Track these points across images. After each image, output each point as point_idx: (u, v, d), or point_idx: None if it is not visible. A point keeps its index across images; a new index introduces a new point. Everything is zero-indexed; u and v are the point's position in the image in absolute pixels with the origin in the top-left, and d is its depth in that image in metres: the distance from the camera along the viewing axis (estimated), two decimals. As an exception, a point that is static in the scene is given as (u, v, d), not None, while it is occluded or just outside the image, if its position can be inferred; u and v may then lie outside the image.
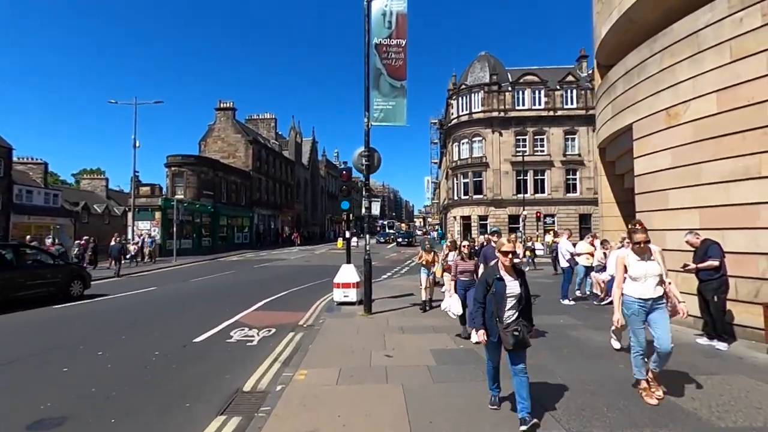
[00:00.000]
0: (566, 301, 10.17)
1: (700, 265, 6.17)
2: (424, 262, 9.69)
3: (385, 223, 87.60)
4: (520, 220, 38.83)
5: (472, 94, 41.64)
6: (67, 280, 11.80)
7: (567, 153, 40.11)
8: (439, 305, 8.06)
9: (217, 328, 8.19)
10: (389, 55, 9.21)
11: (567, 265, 10.29)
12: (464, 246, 7.46)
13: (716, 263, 6.04)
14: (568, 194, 40.10)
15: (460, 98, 42.68)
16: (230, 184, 40.46)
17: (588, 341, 6.75)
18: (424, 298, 9.65)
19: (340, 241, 41.92)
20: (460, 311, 6.69)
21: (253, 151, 44.77)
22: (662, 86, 7.91)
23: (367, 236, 9.15)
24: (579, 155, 40.00)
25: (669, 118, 7.76)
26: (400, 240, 47.48)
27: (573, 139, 40.31)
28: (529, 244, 26.54)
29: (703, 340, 6.37)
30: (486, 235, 14.97)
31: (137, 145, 26.34)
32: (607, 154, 11.39)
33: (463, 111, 42.33)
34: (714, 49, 6.92)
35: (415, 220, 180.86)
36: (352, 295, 10.17)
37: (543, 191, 40.26)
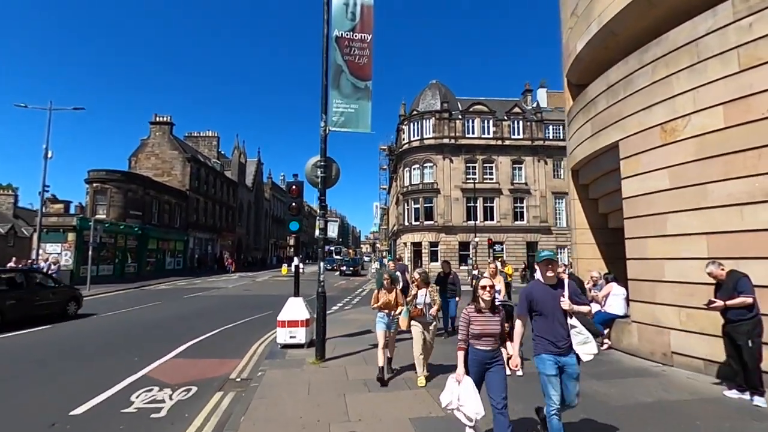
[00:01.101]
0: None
1: (730, 303, 5.15)
2: (382, 306, 6.35)
3: (332, 249, 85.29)
4: (471, 247, 38.60)
5: (424, 120, 41.63)
6: (65, 301, 13.06)
7: (514, 182, 40.85)
8: (402, 370, 6.56)
9: (113, 388, 6.03)
10: (352, 50, 7.85)
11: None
12: (487, 287, 3.87)
13: (749, 300, 5.05)
14: (516, 222, 40.61)
15: (411, 124, 42.52)
16: (163, 204, 36.83)
17: (607, 397, 5.47)
18: (380, 363, 6.20)
19: (284, 267, 39.28)
20: (481, 412, 3.63)
21: (191, 170, 41.44)
22: (655, 99, 7.17)
23: (322, 264, 7.49)
24: (526, 184, 40.88)
25: (665, 134, 6.98)
26: (344, 269, 39.91)
27: (520, 169, 41.22)
28: (475, 272, 25.20)
29: (733, 393, 5.31)
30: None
31: (49, 155, 22.85)
32: (581, 176, 10.67)
33: (414, 136, 42.11)
34: (718, 57, 6.23)
35: (361, 246, 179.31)
36: (301, 335, 8.35)
37: (492, 218, 40.48)
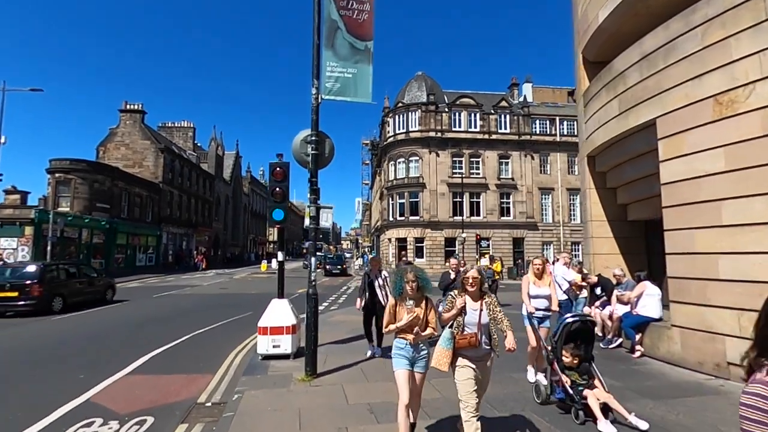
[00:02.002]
0: (566, 345, 7.95)
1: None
2: (406, 327, 3.73)
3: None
4: (457, 243, 37.71)
5: (410, 113, 40.44)
6: (104, 289, 15.69)
7: (501, 177, 40.12)
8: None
9: (44, 420, 4.62)
10: (350, 4, 6.55)
11: (565, 297, 8.11)
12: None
13: None
14: (502, 217, 39.91)
15: (397, 116, 41.28)
16: (134, 197, 34.63)
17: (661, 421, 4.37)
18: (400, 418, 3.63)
19: (264, 264, 37.62)
20: None
21: (165, 161, 39.21)
22: (707, 67, 6.12)
23: (313, 260, 6.18)
24: (512, 179, 40.21)
25: (720, 107, 5.94)
26: (329, 267, 34.63)
27: (507, 163, 40.52)
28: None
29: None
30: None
31: (2, 140, 20.72)
32: (598, 163, 9.64)
33: (400, 129, 40.89)
34: (794, 12, 5.19)
35: (342, 242, 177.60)
36: (286, 344, 7.03)
37: (478, 214, 39.67)
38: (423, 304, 3.78)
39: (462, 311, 3.61)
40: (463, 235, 35.31)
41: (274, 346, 7.01)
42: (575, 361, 4.68)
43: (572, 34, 11.06)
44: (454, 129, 40.20)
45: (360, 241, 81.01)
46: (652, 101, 7.09)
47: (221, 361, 7.28)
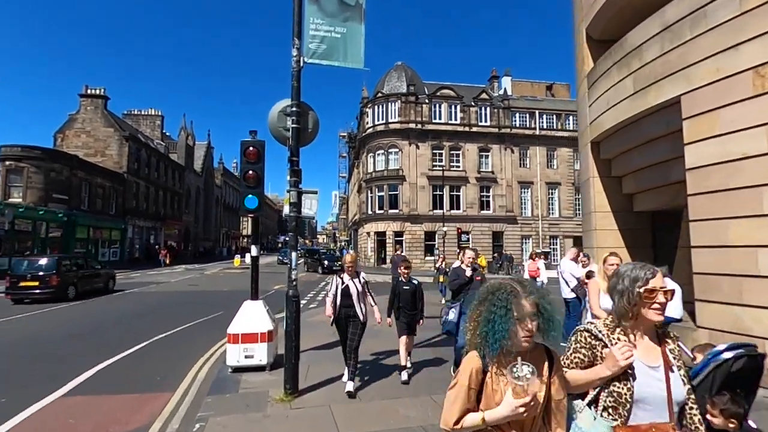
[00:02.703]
0: (574, 347, 7.23)
1: None
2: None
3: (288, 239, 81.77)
4: (437, 236, 37.12)
5: (389, 103, 39.41)
6: (108, 279, 17.56)
7: (481, 170, 39.68)
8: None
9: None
10: (338, -50, 5.50)
11: (573, 296, 7.36)
12: None
13: None
14: (482, 211, 39.52)
15: (376, 107, 40.19)
16: (95, 188, 32.39)
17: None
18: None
19: (237, 259, 36.01)
20: None
21: (130, 150, 36.93)
22: (746, 35, 5.40)
23: (294, 256, 5.15)
24: (492, 173, 39.84)
25: (762, 80, 5.23)
26: (326, 263, 29.73)
27: (487, 157, 40.09)
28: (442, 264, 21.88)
29: None
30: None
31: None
32: (603, 150, 8.94)
33: (379, 120, 39.83)
34: None
35: (318, 236, 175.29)
36: (261, 353, 6.00)
37: (459, 207, 39.14)
38: (545, 369, 1.64)
39: (626, 372, 1.70)
40: (444, 228, 34.70)
41: (246, 357, 5.96)
42: (732, 425, 2.27)
43: (571, 12, 10.31)
44: (434, 121, 39.46)
45: (337, 235, 79.85)
46: (676, 77, 6.35)
47: (183, 373, 6.17)
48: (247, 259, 41.23)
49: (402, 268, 5.89)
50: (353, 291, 5.28)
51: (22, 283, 13.80)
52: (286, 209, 5.27)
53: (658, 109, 6.82)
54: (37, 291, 13.73)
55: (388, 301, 6.00)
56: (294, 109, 5.15)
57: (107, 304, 13.93)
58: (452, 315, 5.34)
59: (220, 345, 7.67)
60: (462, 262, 5.65)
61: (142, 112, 48.28)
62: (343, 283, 5.34)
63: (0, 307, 12.57)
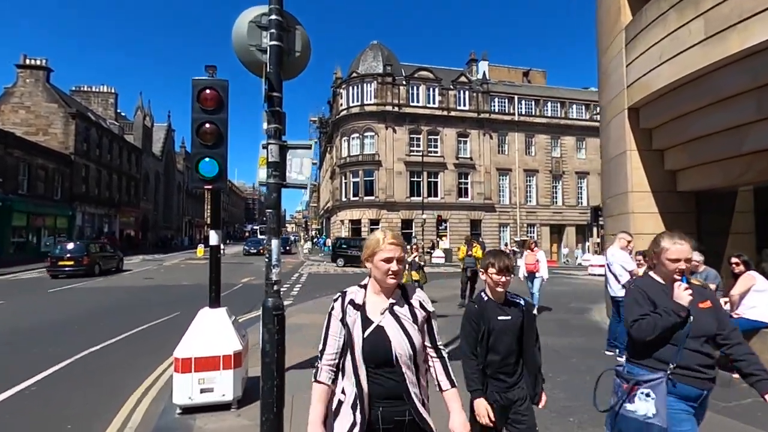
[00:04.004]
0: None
1: None
2: None
3: (257, 228, 78.49)
4: (416, 224, 35.72)
5: (365, 84, 37.32)
6: (119, 261, 22.22)
7: (460, 156, 38.39)
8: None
9: None
10: None
11: (624, 293, 5.89)
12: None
13: None
14: (460, 198, 38.34)
15: (351, 88, 37.99)
16: (36, 170, 28.85)
17: None
18: None
19: (200, 248, 33.36)
20: None
21: (78, 129, 33.28)
22: None
23: (275, 245, 3.30)
24: (471, 159, 38.64)
25: None
26: (345, 251, 26.52)
27: (465, 142, 38.82)
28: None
29: None
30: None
31: None
32: (644, 118, 7.49)
33: (354, 102, 37.70)
34: None
35: (287, 225, 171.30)
36: (224, 385, 4.17)
37: (436, 195, 37.79)
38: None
39: None
40: (423, 216, 33.28)
41: (203, 390, 4.12)
42: None
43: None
44: (412, 104, 37.72)
45: (309, 223, 77.49)
46: (774, 12, 4.87)
47: (109, 418, 4.26)
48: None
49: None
50: (398, 343, 1.80)
51: None
52: (262, 174, 3.43)
53: (742, 57, 5.35)
54: (74, 268, 18.03)
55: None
56: (274, 17, 3.29)
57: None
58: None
59: (169, 364, 5.76)
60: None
61: (93, 89, 44.02)
62: (365, 320, 1.83)
63: None
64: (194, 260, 29.35)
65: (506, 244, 36.47)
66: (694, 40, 5.89)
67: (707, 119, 6.30)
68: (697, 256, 5.97)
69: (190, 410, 4.11)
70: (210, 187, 4.35)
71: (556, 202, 41.09)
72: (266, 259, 3.28)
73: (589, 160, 41.68)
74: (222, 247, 33.03)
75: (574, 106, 42.58)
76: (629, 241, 6.08)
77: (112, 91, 45.12)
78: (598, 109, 38.56)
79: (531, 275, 9.39)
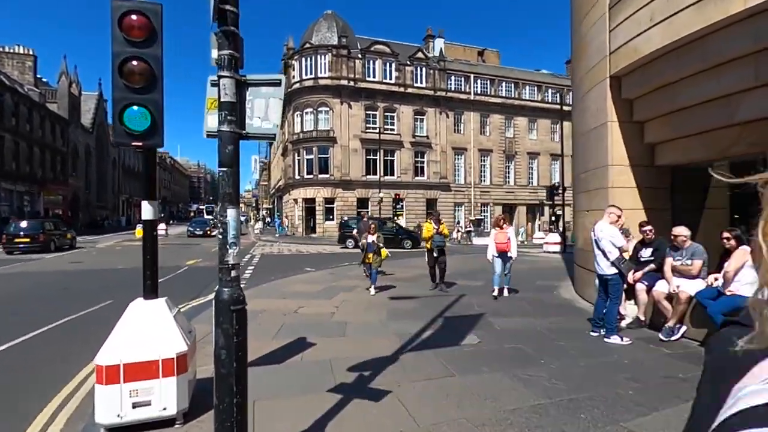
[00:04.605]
0: (616, 339, 5.46)
1: None
2: None
3: (203, 208, 74.57)
4: (372, 203, 35.02)
5: (319, 56, 35.53)
6: (72, 238, 22.58)
7: (416, 134, 37.88)
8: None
9: None
10: None
11: (614, 271, 5.53)
12: None
13: None
14: (416, 177, 38.02)
15: (303, 59, 36.04)
16: (-64, 140, 25.01)
17: None
18: None
19: (139, 228, 30.75)
20: None
21: (-12, 94, 29.19)
22: None
23: (231, 213, 2.43)
24: (427, 137, 38.25)
25: None
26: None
27: (422, 120, 38.31)
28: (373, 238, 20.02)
29: None
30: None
31: None
32: (626, 87, 7.12)
33: (307, 74, 35.85)
34: None
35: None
36: (165, 396, 3.27)
37: (392, 173, 37.19)
38: None
39: None
40: (381, 194, 32.63)
41: (136, 405, 3.21)
42: None
43: None
44: (368, 79, 36.49)
45: (259, 203, 74.65)
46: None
47: (7, 445, 3.25)
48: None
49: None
50: None
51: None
52: (211, 121, 2.53)
53: (743, 18, 4.98)
54: (31, 245, 18.90)
55: None
56: None
57: None
58: None
59: (92, 370, 4.71)
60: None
61: (6, 49, 38.81)
62: None
63: None
64: (132, 242, 26.98)
65: (458, 223, 36.78)
66: (687, 2, 5.47)
67: (696, 88, 5.99)
68: (685, 231, 5.72)
69: (119, 431, 3.20)
70: (140, 144, 3.35)
71: (509, 181, 41.88)
72: (219, 237, 2.41)
73: (540, 141, 42.71)
74: (164, 227, 30.83)
75: (527, 87, 43.19)
76: (619, 216, 5.71)
77: (30, 53, 40.12)
78: (550, 91, 39.13)
79: (502, 255, 8.60)
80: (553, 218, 24.66)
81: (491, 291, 8.64)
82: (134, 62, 3.22)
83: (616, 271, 5.51)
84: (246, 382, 2.44)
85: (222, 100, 2.38)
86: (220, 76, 2.39)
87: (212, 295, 6.58)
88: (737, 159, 6.33)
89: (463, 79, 40.62)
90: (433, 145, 38.45)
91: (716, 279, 5.27)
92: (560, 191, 23.40)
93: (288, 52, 39.23)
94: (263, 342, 5.54)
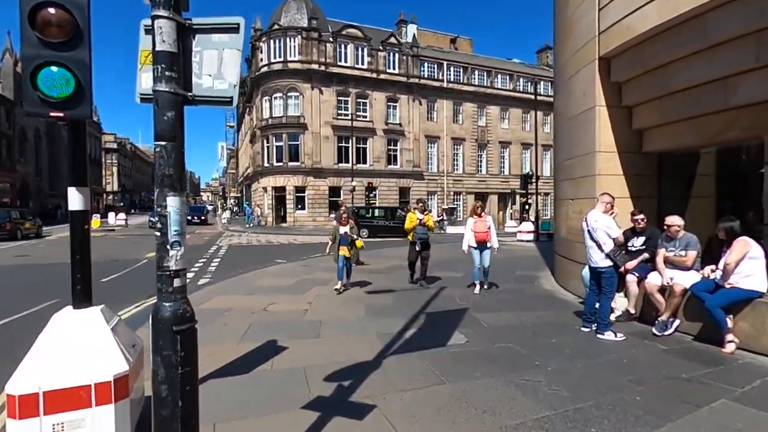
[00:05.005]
0: (609, 335, 5.16)
1: None
2: None
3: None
4: (343, 192, 34.32)
5: (288, 38, 34.16)
6: (38, 227, 22.90)
7: (389, 121, 37.25)
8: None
9: None
10: None
11: (608, 264, 5.20)
12: None
13: None
14: (389, 165, 37.50)
15: (272, 41, 34.58)
16: None
17: None
18: None
19: (96, 219, 28.99)
20: None
21: None
22: None
23: (173, 202, 1.84)
24: (400, 125, 37.71)
25: None
26: (370, 221, 24.85)
27: (395, 107, 37.70)
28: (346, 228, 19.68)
29: None
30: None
31: None
32: (615, 69, 6.79)
33: (276, 57, 34.45)
34: None
35: (202, 193, 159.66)
36: (101, 429, 2.66)
37: (365, 161, 36.51)
38: None
39: None
40: (354, 183, 31.95)
41: (61, 443, 2.57)
42: None
43: None
44: (339, 63, 35.45)
45: (227, 191, 72.31)
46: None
47: None
48: (111, 218, 33.76)
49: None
50: None
51: None
52: (145, 81, 1.91)
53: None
54: None
55: None
56: None
57: None
58: None
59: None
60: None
61: (-59, 22, 35.29)
62: None
63: None
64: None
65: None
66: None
67: (691, 70, 5.69)
68: (678, 221, 5.46)
69: (39, 475, 2.56)
70: (60, 114, 2.65)
71: (481, 170, 42.01)
72: (157, 233, 1.81)
73: (511, 130, 42.95)
74: (125, 217, 29.15)
75: (500, 76, 43.19)
76: (612, 204, 5.38)
77: (-31, 27, 36.62)
78: (522, 80, 39.11)
79: (481, 245, 7.89)
80: (527, 207, 24.66)
81: (471, 286, 8.20)
82: (51, 9, 2.51)
83: (611, 263, 5.19)
84: (197, 423, 1.87)
85: (158, 49, 1.76)
86: (154, 17, 1.76)
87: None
88: (728, 145, 6.13)
89: (436, 66, 40.14)
90: (406, 133, 37.95)
91: (713, 270, 5.02)
92: (533, 180, 23.39)
93: (255, 34, 37.56)
94: (228, 347, 4.94)
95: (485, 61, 44.01)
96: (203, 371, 3.98)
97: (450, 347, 4.92)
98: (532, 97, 31.58)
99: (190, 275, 10.72)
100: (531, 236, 20.39)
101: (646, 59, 6.15)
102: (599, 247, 5.20)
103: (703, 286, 4.95)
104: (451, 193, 40.52)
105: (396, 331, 5.55)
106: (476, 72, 42.04)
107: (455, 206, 39.79)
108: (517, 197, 37.90)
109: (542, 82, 42.49)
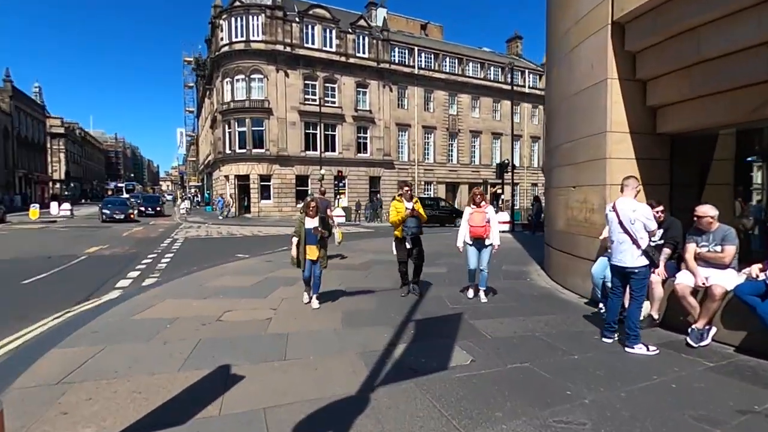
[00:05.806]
0: (641, 349, 4.28)
1: None
2: None
3: (122, 185, 67.26)
4: (312, 181, 32.81)
5: (251, 16, 31.99)
6: (3, 212, 23.96)
7: (359, 108, 35.87)
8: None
9: None
10: None
11: (644, 262, 4.30)
12: None
13: None
14: (359, 154, 36.21)
15: (233, 19, 32.29)
16: None
17: None
18: None
19: (34, 209, 26.16)
20: None
21: None
22: None
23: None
24: (370, 112, 36.41)
25: None
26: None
27: (364, 93, 36.31)
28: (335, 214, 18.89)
29: None
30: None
31: None
32: (629, 36, 5.90)
33: (238, 36, 32.23)
34: None
35: (161, 182, 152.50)
36: None
37: (334, 149, 35.05)
38: None
39: None
40: (322, 171, 30.51)
41: None
42: None
43: None
44: (306, 45, 33.63)
45: (186, 180, 68.77)
46: None
47: None
48: (54, 208, 30.63)
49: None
50: None
51: None
52: None
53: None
54: None
55: None
56: None
57: None
58: None
59: None
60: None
61: None
62: None
63: None
64: (25, 225, 22.76)
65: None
66: None
67: (720, 35, 4.85)
68: (711, 211, 4.63)
69: None
70: None
71: (452, 160, 41.42)
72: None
73: (482, 119, 42.50)
74: (69, 207, 26.45)
75: (471, 64, 42.54)
76: (639, 190, 4.49)
77: None
78: (492, 69, 38.46)
79: (479, 242, 6.38)
80: (503, 197, 24.13)
81: (463, 290, 6.90)
82: None
83: (646, 262, 4.30)
84: None
85: None
86: None
87: (109, 296, 4.55)
88: (759, 125, 5.38)
89: (406, 51, 38.97)
90: (376, 120, 36.71)
91: (762, 270, 4.23)
92: (509, 169, 22.82)
93: (215, 11, 35.08)
94: (164, 377, 3.72)
95: (456, 48, 43.25)
96: (124, 420, 2.78)
97: (453, 370, 3.90)
98: (504, 86, 31.15)
99: (133, 274, 9.25)
100: (507, 227, 19.76)
101: (671, 22, 5.26)
102: (635, 242, 4.29)
103: (751, 289, 4.15)
104: (423, 183, 39.74)
105: (382, 347, 4.48)
106: (447, 59, 41.18)
107: (427, 196, 39.06)
108: (488, 187, 37.59)
109: (515, 71, 42.13)
